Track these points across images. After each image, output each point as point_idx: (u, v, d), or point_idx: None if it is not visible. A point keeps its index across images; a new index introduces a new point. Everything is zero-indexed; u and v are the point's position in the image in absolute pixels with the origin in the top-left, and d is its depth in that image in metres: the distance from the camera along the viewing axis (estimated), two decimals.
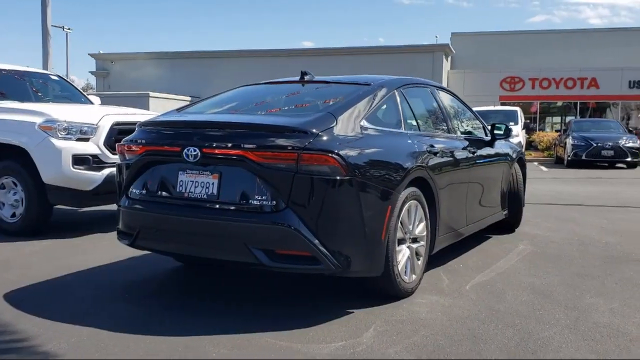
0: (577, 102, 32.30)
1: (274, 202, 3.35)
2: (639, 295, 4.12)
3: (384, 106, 4.11)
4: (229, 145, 3.43)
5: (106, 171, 5.85)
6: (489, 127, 5.74)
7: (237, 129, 3.57)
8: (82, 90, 7.61)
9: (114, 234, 6.03)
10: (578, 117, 30.56)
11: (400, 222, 3.80)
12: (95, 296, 3.98)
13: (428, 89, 4.94)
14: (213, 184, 3.51)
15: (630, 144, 17.53)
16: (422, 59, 29.65)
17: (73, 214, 7.48)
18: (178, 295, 4.06)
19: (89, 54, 36.75)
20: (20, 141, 5.79)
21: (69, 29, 36.80)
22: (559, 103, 33.45)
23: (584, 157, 17.54)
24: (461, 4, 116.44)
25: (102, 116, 5.93)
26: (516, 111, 19.48)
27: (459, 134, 5.11)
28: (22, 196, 5.83)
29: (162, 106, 23.37)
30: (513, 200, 6.19)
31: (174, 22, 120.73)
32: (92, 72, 36.69)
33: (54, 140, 5.68)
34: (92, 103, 7.39)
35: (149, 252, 5.10)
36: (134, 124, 6.07)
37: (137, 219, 3.79)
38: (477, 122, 5.78)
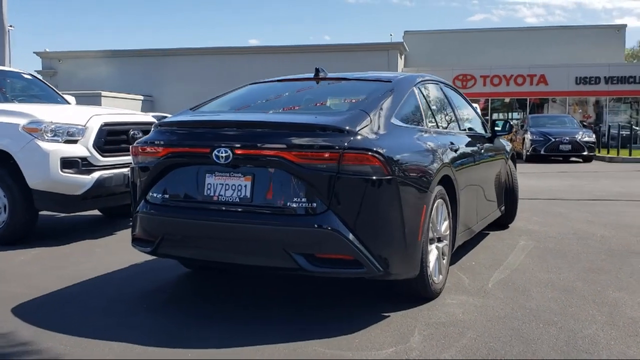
0: (527, 99, 33.14)
1: (314, 204, 3.20)
2: None
3: (408, 103, 4.02)
4: (265, 145, 3.26)
5: (96, 174, 5.55)
6: (489, 124, 5.75)
7: (272, 128, 3.40)
8: (56, 90, 7.19)
9: (105, 240, 5.87)
10: (527, 113, 31.33)
11: (431, 222, 3.72)
12: (112, 308, 3.73)
13: (438, 85, 4.88)
14: (246, 186, 3.34)
15: (587, 139, 18.09)
16: (378, 57, 29.78)
17: (52, 220, 7.09)
18: (199, 303, 3.85)
19: (34, 53, 35.41)
20: (2, 144, 5.42)
21: (10, 26, 35.20)
22: (506, 100, 34.24)
23: (542, 152, 18.00)
24: (405, 3, 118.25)
25: (90, 117, 5.62)
26: (476, 107, 19.79)
27: (467, 130, 5.08)
28: (5, 202, 5.47)
29: (115, 106, 22.63)
30: (509, 196, 6.22)
31: (121, 20, 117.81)
32: (38, 72, 35.28)
33: (41, 143, 5.34)
34: (68, 103, 7.02)
35: (151, 259, 4.91)
36: (124, 124, 5.87)
37: (159, 224, 3.57)
38: (478, 118, 5.77)
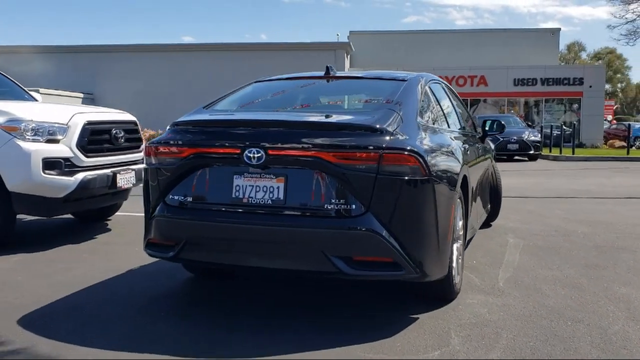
0: (468, 99, 34.00)
1: (353, 205, 3.12)
2: None
3: (425, 102, 3.98)
4: (301, 145, 3.15)
5: (80, 176, 5.25)
6: (480, 123, 5.82)
7: (308, 128, 3.28)
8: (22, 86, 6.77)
9: (89, 245, 5.56)
10: (472, 113, 32.10)
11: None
12: (125, 316, 3.52)
13: (441, 85, 4.88)
14: (278, 188, 3.21)
15: (533, 138, 18.72)
16: (325, 56, 29.78)
17: (22, 224, 6.67)
18: (216, 310, 3.67)
19: None
20: None
21: None
22: None
23: None
24: (339, 3, 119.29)
25: (72, 115, 5.31)
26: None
27: (467, 130, 5.12)
28: None
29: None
30: (494, 195, 6.32)
31: (50, 16, 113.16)
32: None
33: (21, 142, 5.00)
34: (35, 100, 6.63)
35: (145, 264, 4.71)
36: (108, 123, 5.61)
37: (182, 228, 3.38)
38: (470, 117, 5.83)
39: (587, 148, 27.10)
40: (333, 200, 3.13)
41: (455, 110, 4.97)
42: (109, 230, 6.23)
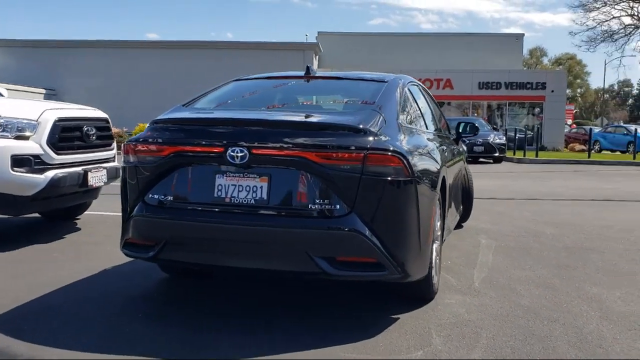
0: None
1: (337, 205, 3.11)
2: (628, 283, 4.42)
3: (405, 104, 4.01)
4: (286, 145, 3.13)
5: (50, 174, 5.11)
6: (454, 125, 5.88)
7: (293, 127, 3.26)
8: None
9: (58, 245, 5.42)
10: None
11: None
12: (104, 316, 3.44)
13: (419, 87, 4.92)
14: (262, 187, 3.18)
15: (498, 141, 19.04)
16: (294, 56, 29.80)
17: None
18: (196, 310, 3.61)
19: None
20: None
21: None
22: None
23: None
24: (306, 4, 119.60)
25: (42, 111, 5.17)
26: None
27: (442, 131, 5.17)
28: None
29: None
30: (466, 197, 6.40)
31: (13, 9, 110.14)
32: None
33: None
34: (1, 95, 6.44)
35: (119, 264, 4.63)
36: (80, 120, 5.49)
37: (163, 228, 3.32)
38: (444, 119, 5.89)
39: (549, 151, 27.69)
40: (317, 200, 3.12)
41: (432, 112, 5.01)
42: (79, 229, 6.09)
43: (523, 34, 37.34)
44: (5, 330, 3.17)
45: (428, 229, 3.48)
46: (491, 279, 4.45)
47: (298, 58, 29.80)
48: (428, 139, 4.07)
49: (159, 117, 3.56)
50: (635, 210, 8.49)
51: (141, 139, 3.42)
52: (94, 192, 6.07)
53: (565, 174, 15.16)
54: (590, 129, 25.86)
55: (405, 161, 3.19)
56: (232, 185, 3.22)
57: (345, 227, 3.09)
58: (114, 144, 6.21)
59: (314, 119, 3.35)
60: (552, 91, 31.49)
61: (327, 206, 3.12)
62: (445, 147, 4.63)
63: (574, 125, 44.37)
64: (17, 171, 4.91)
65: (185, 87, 29.29)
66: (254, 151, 3.14)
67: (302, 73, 4.25)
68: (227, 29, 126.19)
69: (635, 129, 24.72)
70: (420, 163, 3.45)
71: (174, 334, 3.21)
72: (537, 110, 32.70)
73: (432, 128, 4.69)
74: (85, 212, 6.74)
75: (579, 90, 77.51)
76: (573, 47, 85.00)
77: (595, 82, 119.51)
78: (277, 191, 3.17)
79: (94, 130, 5.66)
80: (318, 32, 35.62)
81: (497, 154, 18.90)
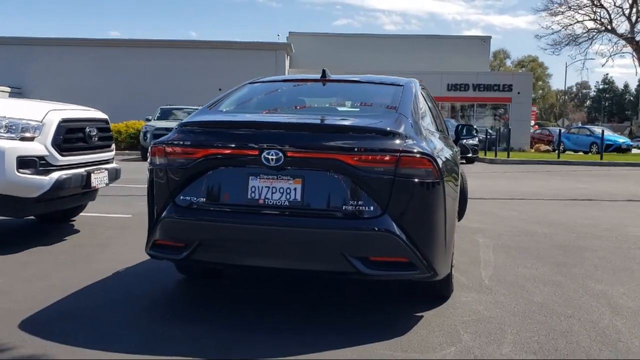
0: None
1: (371, 207, 3.19)
2: (628, 279, 4.61)
3: (422, 107, 4.11)
4: (320, 147, 3.19)
5: (55, 175, 5.05)
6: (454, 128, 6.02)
7: (326, 131, 3.31)
8: None
9: (61, 247, 5.36)
10: None
11: None
12: (134, 319, 3.44)
13: (426, 90, 5.03)
14: (295, 189, 3.24)
15: (471, 142, 19.37)
16: (266, 56, 29.79)
17: None
18: (223, 310, 3.65)
19: None
20: None
21: None
22: None
23: None
24: (271, 4, 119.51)
25: (47, 112, 5.10)
26: None
27: (446, 133, 5.29)
28: None
29: None
30: (462, 196, 6.54)
31: None
32: None
33: None
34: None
35: (132, 265, 4.62)
36: (82, 121, 5.44)
37: (195, 229, 3.34)
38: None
39: (516, 151, 28.31)
40: (351, 202, 3.19)
41: (439, 115, 5.13)
42: (77, 231, 6.02)
43: (490, 37, 38.16)
44: (38, 334, 3.15)
45: (452, 229, 3.60)
46: (499, 277, 4.59)
47: (270, 58, 29.79)
48: (442, 141, 4.18)
49: (189, 120, 3.57)
50: (613, 209, 8.79)
51: (172, 141, 3.43)
52: (93, 193, 6.01)
53: (539, 174, 15.56)
54: (560, 130, 26.52)
55: (434, 163, 3.28)
56: (265, 187, 3.26)
57: (379, 228, 3.17)
58: (113, 145, 6.16)
59: (347, 122, 3.41)
60: (519, 93, 32.20)
61: (360, 207, 3.19)
62: (452, 148, 4.76)
63: (536, 126, 45.35)
64: (22, 173, 4.84)
65: (157, 87, 29.10)
66: (289, 154, 3.19)
67: (317, 76, 4.31)
68: (190, 28, 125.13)
69: (602, 131, 25.43)
70: (444, 164, 3.55)
71: (209, 333, 3.24)
72: (500, 111, 33.37)
73: (440, 130, 4.80)
74: (81, 214, 6.65)
75: (540, 92, 79.32)
76: (533, 49, 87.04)
77: (556, 84, 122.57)
78: (310, 193, 3.23)
79: (95, 131, 5.61)
80: (289, 32, 35.72)
81: (470, 155, 19.25)
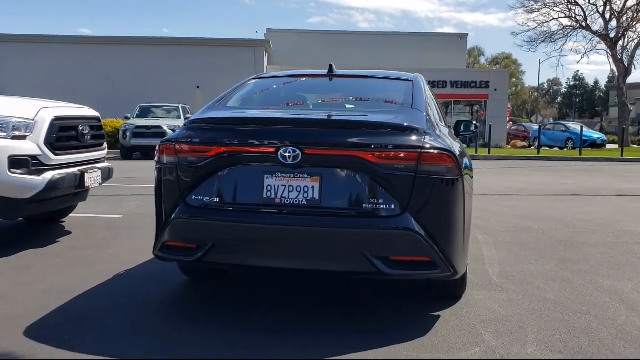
0: None
1: (392, 205, 3.10)
2: (634, 275, 4.61)
3: (431, 102, 4.04)
4: (340, 145, 3.09)
5: (48, 175, 4.86)
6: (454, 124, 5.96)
7: (345, 127, 3.22)
8: None
9: (55, 249, 5.18)
10: None
11: None
12: (144, 323, 3.30)
13: (429, 85, 4.96)
14: (313, 187, 3.13)
15: None
16: (244, 53, 29.54)
17: None
18: (237, 312, 3.53)
19: None
20: None
21: None
22: None
23: None
24: (244, 0, 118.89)
25: (38, 110, 4.91)
26: None
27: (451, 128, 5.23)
28: None
29: None
30: None
31: None
32: None
33: None
34: None
35: (132, 267, 4.48)
36: (75, 119, 5.26)
37: (209, 230, 3.21)
38: None
39: (493, 148, 28.55)
40: (371, 200, 3.10)
41: (441, 109, 5.06)
42: (69, 233, 5.83)
43: (467, 34, 38.39)
44: (47, 341, 3.01)
45: (469, 225, 3.53)
46: (506, 274, 4.55)
47: (249, 55, 29.55)
48: (451, 136, 4.12)
49: (199, 117, 3.45)
50: (602, 204, 8.85)
51: (182, 139, 3.30)
52: (84, 194, 5.83)
53: (522, 170, 15.67)
54: (540, 127, 26.80)
55: (455, 160, 3.21)
56: (282, 185, 3.15)
57: (400, 227, 3.08)
58: (105, 144, 5.98)
59: (367, 118, 3.33)
60: (495, 90, 32.44)
61: (381, 205, 3.10)
62: (461, 143, 4.70)
63: (511, 123, 45.84)
64: (14, 173, 4.64)
65: (134, 84, 28.65)
66: (307, 151, 3.08)
67: (324, 71, 4.22)
68: (162, 25, 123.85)
69: (582, 127, 25.77)
70: (462, 161, 3.48)
71: (224, 336, 3.14)
72: (476, 107, 33.61)
73: (447, 125, 4.74)
74: (70, 215, 6.46)
75: (514, 88, 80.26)
76: (505, 46, 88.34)
77: (529, 81, 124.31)
78: (329, 191, 3.13)
79: (88, 130, 5.43)
80: (267, 29, 35.52)
81: None
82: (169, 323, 3.36)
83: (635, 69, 32.73)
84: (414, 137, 3.14)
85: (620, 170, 16.30)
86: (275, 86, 4.22)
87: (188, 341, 3.08)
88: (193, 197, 3.26)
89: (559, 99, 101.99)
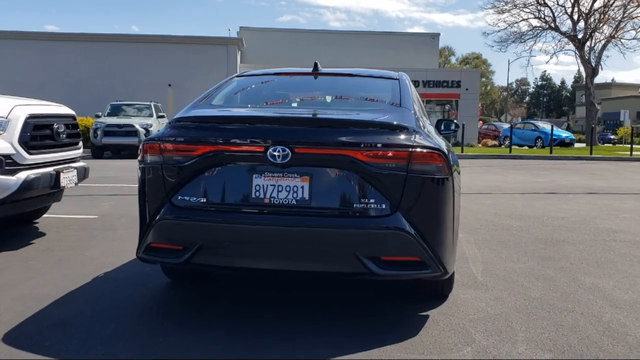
0: None
1: (383, 205, 3.06)
2: (614, 272, 4.66)
3: (418, 101, 4.02)
4: (330, 144, 3.04)
5: (22, 175, 4.71)
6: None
7: (336, 126, 3.16)
8: None
9: (29, 251, 5.03)
10: None
11: None
12: (129, 328, 3.21)
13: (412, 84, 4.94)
14: (302, 187, 3.08)
15: None
16: (217, 51, 29.26)
17: None
18: (219, 314, 3.45)
19: None
20: None
21: None
22: None
23: None
24: None
25: (12, 107, 4.74)
26: None
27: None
28: None
29: None
30: None
31: None
32: None
33: None
34: None
35: (111, 270, 4.36)
36: (51, 117, 5.12)
37: (196, 231, 3.13)
38: None
39: (465, 146, 28.84)
40: (362, 200, 3.06)
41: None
42: (44, 234, 5.66)
43: (439, 34, 38.62)
44: (28, 348, 2.90)
45: (458, 225, 3.52)
46: (490, 273, 4.56)
47: (222, 53, 29.28)
48: (438, 135, 4.10)
49: (184, 115, 3.36)
50: (576, 202, 8.97)
51: (167, 138, 3.21)
52: (59, 194, 5.67)
53: (495, 169, 15.83)
54: (511, 126, 27.16)
55: (445, 158, 3.19)
56: (270, 185, 3.09)
57: (392, 226, 3.05)
58: (81, 143, 5.82)
59: (357, 117, 3.28)
60: (467, 89, 32.77)
61: (372, 205, 3.06)
62: (447, 141, 4.69)
63: (481, 122, 46.38)
64: None
65: (104, 82, 28.15)
66: (297, 150, 3.03)
67: (309, 70, 4.16)
68: (131, 22, 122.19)
69: (552, 126, 26.19)
70: (452, 160, 3.46)
71: (213, 338, 3.07)
72: (447, 107, 33.90)
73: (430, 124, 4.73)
74: (43, 215, 6.28)
75: (483, 88, 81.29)
76: (475, 46, 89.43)
77: (498, 80, 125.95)
78: (319, 191, 3.08)
79: (63, 128, 5.28)
80: (240, 27, 35.24)
81: None
82: (155, 327, 3.27)
83: (602, 69, 33.35)
84: (404, 136, 3.11)
85: (590, 168, 16.60)
86: (260, 84, 4.15)
87: (177, 345, 3.00)
88: (179, 197, 3.17)
89: (527, 98, 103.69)
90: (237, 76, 4.27)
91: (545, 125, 33.05)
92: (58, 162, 5.21)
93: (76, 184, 5.48)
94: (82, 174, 5.59)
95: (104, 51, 28.88)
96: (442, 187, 3.19)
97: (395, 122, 3.18)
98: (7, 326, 3.20)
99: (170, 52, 28.94)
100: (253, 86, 4.11)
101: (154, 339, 3.09)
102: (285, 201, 3.08)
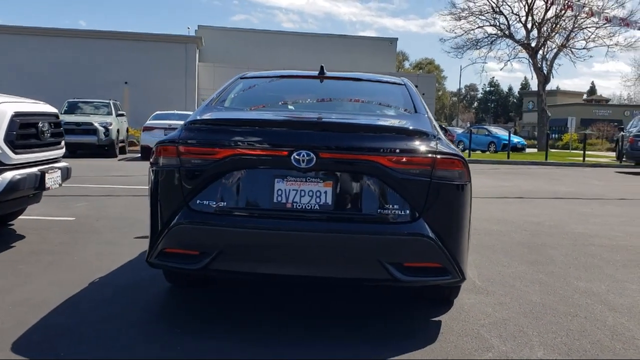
0: None
1: (406, 210, 3.06)
2: (603, 276, 4.80)
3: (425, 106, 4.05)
4: (355, 149, 3.02)
5: (8, 175, 4.49)
6: None
7: (361, 131, 3.14)
8: None
9: (12, 255, 4.80)
10: None
11: None
12: (142, 335, 3.09)
13: None
14: (326, 192, 3.04)
15: None
16: (175, 49, 28.78)
17: None
18: (228, 322, 3.38)
19: None
20: None
21: None
22: None
23: None
24: None
25: None
26: None
27: None
28: None
29: None
30: None
31: None
32: None
33: None
34: None
35: (106, 274, 4.23)
36: (37, 115, 4.91)
37: (216, 236, 3.05)
38: None
39: None
40: (386, 205, 3.05)
41: None
42: (23, 237, 5.42)
43: (397, 38, 39.06)
44: (41, 355, 2.76)
45: (470, 231, 3.55)
46: (486, 277, 4.62)
47: (180, 51, 28.83)
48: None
49: (200, 117, 3.28)
50: (546, 206, 9.21)
51: (186, 140, 3.12)
52: (40, 195, 5.45)
53: None
54: (470, 131, 27.73)
55: (465, 165, 3.22)
56: (293, 190, 3.04)
57: (415, 232, 3.05)
58: (64, 142, 5.61)
59: (383, 122, 3.27)
60: (423, 94, 33.28)
61: (396, 211, 3.06)
62: None
63: None
64: None
65: (59, 79, 27.24)
66: (322, 155, 2.99)
67: (315, 73, 4.13)
68: (78, 16, 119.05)
69: (510, 132, 26.86)
70: (468, 166, 3.49)
71: (218, 346, 3.01)
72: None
73: None
74: (19, 217, 6.03)
75: (436, 93, 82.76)
76: (426, 52, 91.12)
77: (450, 86, 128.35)
78: (342, 196, 3.05)
79: (47, 127, 5.07)
80: (198, 25, 34.78)
81: None
82: (167, 334, 3.17)
83: (553, 77, 34.38)
84: (427, 142, 3.12)
85: (549, 173, 17.09)
86: (269, 86, 4.09)
87: (195, 351, 2.91)
88: (197, 201, 3.09)
89: (475, 104, 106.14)
90: (240, 78, 4.19)
91: (497, 131, 33.88)
92: (42, 162, 5.01)
93: (60, 184, 5.27)
94: (65, 174, 5.39)
95: (55, 46, 28.01)
96: (462, 193, 3.21)
97: (419, 129, 3.19)
98: (11, 335, 3.04)
99: (126, 50, 28.31)
100: (263, 88, 4.05)
101: (174, 345, 2.99)
102: (308, 206, 3.03)
